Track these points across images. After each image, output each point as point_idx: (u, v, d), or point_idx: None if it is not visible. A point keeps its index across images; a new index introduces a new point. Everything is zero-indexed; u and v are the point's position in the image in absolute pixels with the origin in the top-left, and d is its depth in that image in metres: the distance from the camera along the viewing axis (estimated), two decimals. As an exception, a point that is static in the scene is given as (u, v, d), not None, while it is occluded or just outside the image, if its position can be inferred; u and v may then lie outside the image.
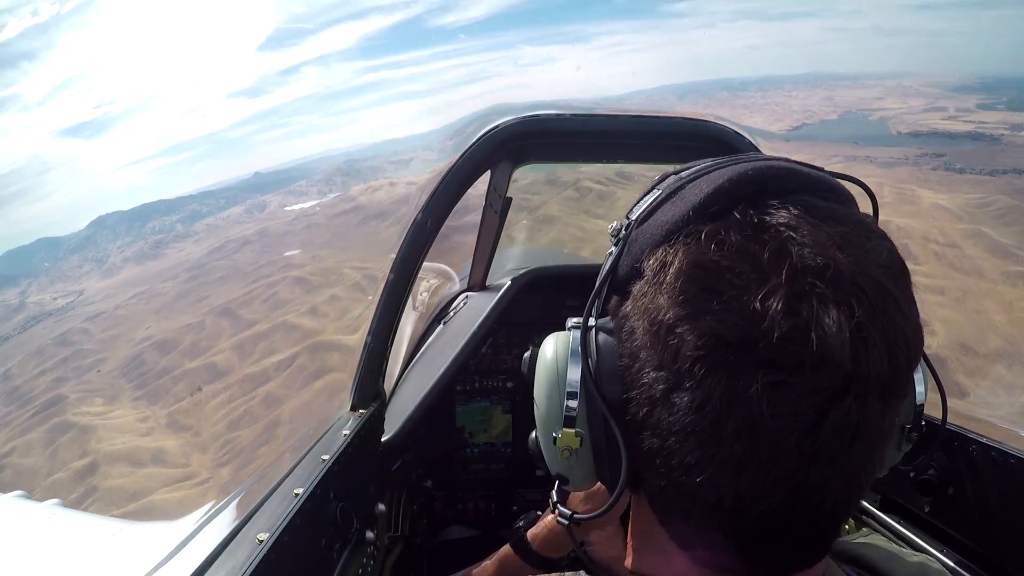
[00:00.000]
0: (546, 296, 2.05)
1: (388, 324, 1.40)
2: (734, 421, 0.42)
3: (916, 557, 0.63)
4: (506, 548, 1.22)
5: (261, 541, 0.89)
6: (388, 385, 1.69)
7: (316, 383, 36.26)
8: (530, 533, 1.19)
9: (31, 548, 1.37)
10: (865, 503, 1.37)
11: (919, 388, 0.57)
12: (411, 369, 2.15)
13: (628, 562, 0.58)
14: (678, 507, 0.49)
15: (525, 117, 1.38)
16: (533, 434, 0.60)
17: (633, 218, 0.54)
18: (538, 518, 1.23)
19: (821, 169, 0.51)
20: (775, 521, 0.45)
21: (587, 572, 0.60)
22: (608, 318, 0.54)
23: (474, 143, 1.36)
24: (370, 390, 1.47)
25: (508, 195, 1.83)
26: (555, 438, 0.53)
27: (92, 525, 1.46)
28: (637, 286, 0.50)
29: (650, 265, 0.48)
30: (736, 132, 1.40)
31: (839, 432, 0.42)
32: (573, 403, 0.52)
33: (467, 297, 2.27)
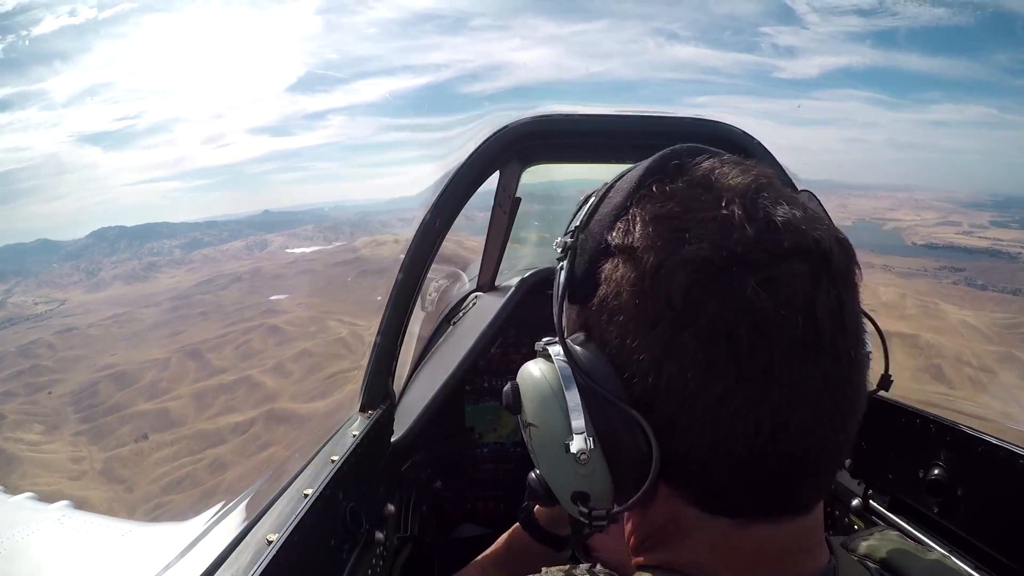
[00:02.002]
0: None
1: (397, 324, 1.38)
2: (745, 330, 0.43)
3: (932, 554, 0.63)
4: (515, 527, 1.19)
5: (270, 542, 0.89)
6: (397, 386, 1.65)
7: (262, 453, 33.59)
8: (537, 509, 1.16)
9: (42, 549, 1.39)
10: (874, 504, 1.36)
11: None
12: (420, 369, 2.10)
13: (637, 560, 0.57)
14: (717, 459, 0.46)
15: (534, 117, 1.36)
16: (532, 474, 0.59)
17: (575, 227, 0.55)
18: None
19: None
20: (809, 433, 0.45)
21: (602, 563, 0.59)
22: (577, 331, 0.55)
23: (483, 143, 1.34)
24: (379, 391, 1.45)
25: (517, 195, 1.84)
26: (567, 446, 0.50)
27: (102, 526, 1.45)
28: (606, 266, 0.50)
29: (614, 238, 0.50)
30: (745, 133, 1.39)
31: (830, 316, 0.44)
32: (576, 404, 0.50)
33: (476, 297, 2.25)
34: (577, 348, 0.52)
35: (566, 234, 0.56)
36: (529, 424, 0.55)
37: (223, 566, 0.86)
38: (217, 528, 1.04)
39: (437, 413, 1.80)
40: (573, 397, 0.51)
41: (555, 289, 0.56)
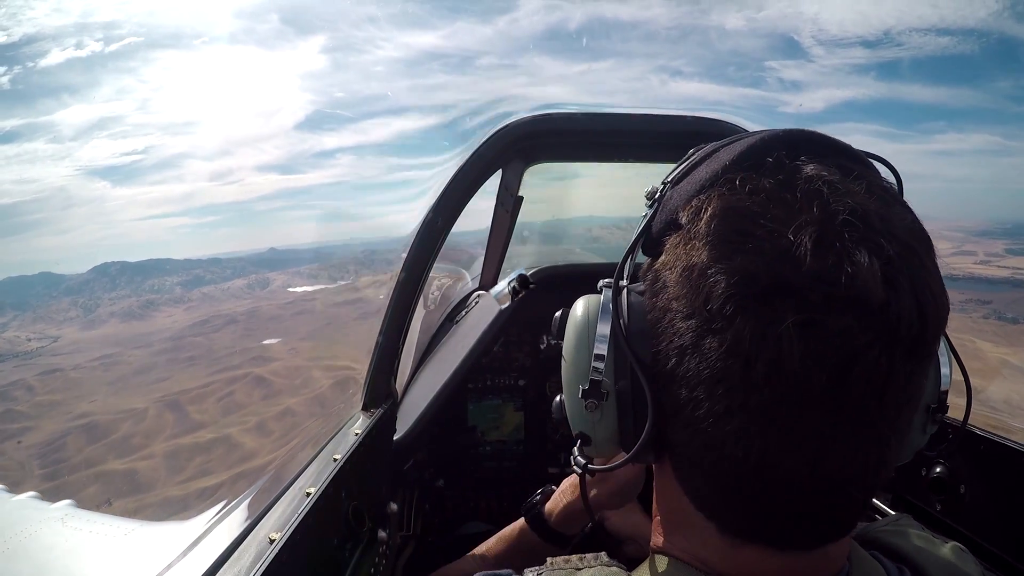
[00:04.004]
0: (557, 294, 1.65)
1: (400, 323, 1.36)
2: (763, 364, 0.41)
3: (948, 545, 0.61)
4: (518, 524, 1.20)
5: (272, 541, 0.89)
6: (400, 384, 1.66)
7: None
8: (547, 508, 1.16)
9: (45, 549, 1.40)
10: (877, 501, 1.36)
11: (944, 371, 0.56)
12: (423, 368, 2.08)
13: (655, 541, 0.58)
14: (704, 465, 0.47)
15: (536, 115, 1.33)
16: (558, 398, 0.60)
17: (669, 180, 0.54)
18: (553, 493, 1.20)
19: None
20: (801, 483, 0.44)
21: (607, 550, 0.61)
22: (639, 282, 0.55)
23: (484, 142, 1.30)
24: (382, 389, 1.44)
25: (520, 194, 1.84)
26: (583, 390, 0.52)
27: (104, 526, 1.45)
28: (671, 238, 0.50)
29: (685, 214, 0.49)
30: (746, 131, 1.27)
31: (866, 383, 0.41)
32: (602, 353, 0.52)
33: (479, 296, 2.21)
34: (627, 302, 0.52)
35: (661, 183, 0.56)
36: (564, 358, 0.56)
37: (225, 565, 0.85)
38: (219, 527, 1.03)
39: (440, 411, 1.78)
40: (604, 348, 0.52)
41: (634, 232, 0.55)
